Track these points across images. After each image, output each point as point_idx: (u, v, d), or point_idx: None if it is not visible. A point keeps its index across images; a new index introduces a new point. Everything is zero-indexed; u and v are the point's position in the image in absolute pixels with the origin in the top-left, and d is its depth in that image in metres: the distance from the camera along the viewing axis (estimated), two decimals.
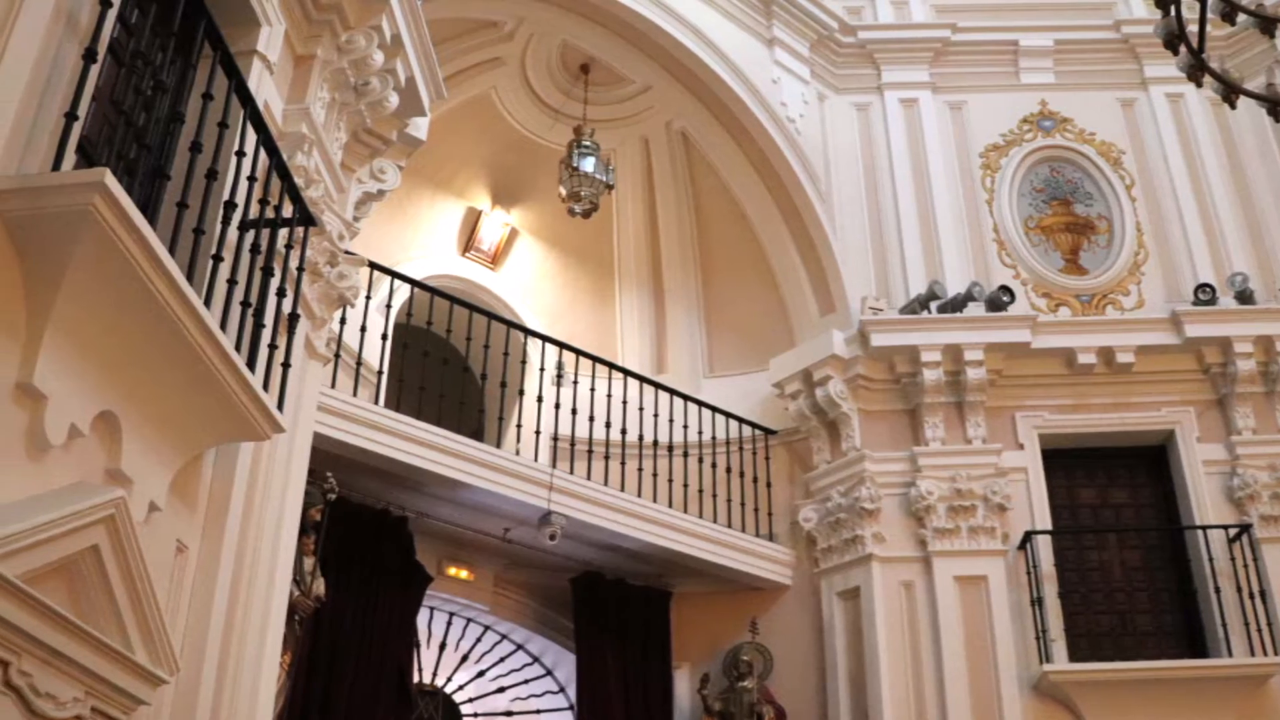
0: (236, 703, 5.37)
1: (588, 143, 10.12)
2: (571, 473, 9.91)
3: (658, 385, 10.59)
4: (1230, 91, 4.79)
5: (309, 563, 7.70)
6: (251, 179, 5.15)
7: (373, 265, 8.36)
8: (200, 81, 5.08)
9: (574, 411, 10.02)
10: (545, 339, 10.24)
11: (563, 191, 10.10)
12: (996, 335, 10.20)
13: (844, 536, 10.06)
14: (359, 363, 9.15)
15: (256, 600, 5.77)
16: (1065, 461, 10.42)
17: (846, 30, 11.82)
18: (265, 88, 5.62)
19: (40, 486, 4.02)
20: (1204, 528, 9.74)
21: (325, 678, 8.04)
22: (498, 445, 9.95)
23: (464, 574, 9.61)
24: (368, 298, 8.63)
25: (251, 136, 5.11)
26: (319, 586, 7.67)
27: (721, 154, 10.90)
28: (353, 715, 8.04)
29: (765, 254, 11.05)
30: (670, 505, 10.01)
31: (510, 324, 10.33)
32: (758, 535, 10.45)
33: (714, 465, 10.40)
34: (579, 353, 10.23)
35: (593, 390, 9.96)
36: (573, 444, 10.42)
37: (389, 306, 9.37)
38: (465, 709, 10.40)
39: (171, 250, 4.27)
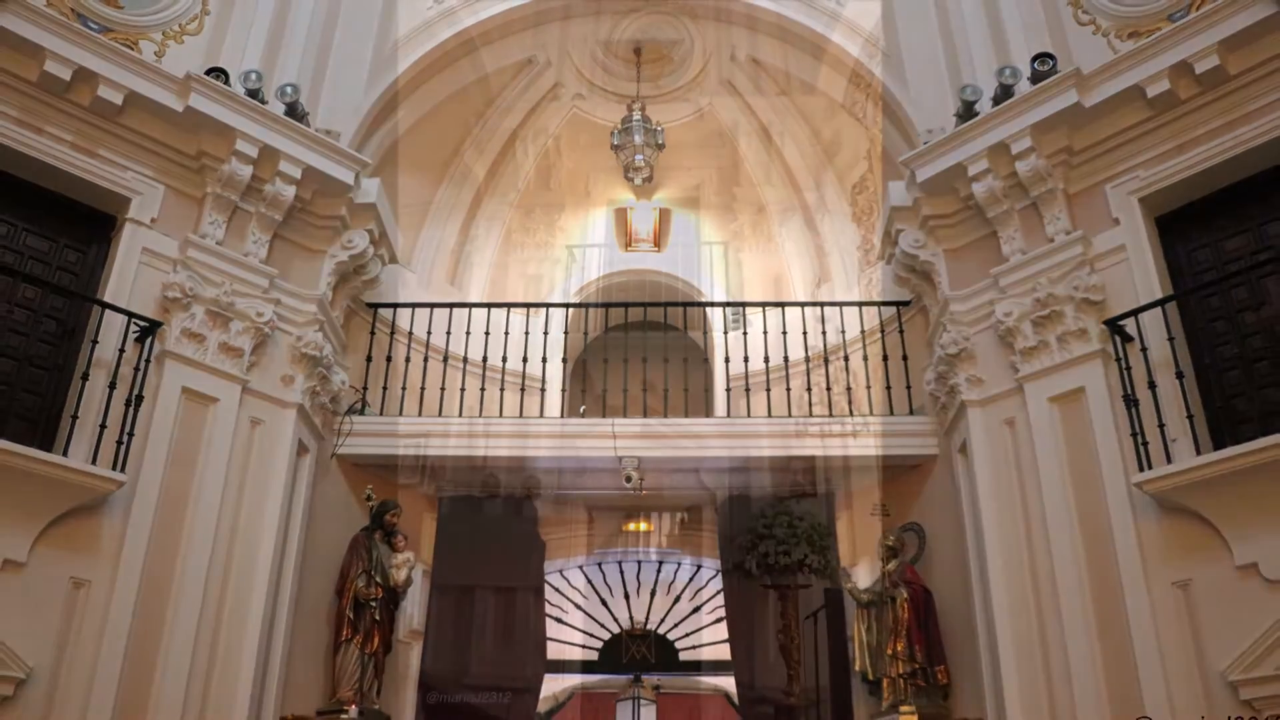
0: None
1: (637, 117, 10.12)
2: (748, 412, 9.93)
3: (782, 304, 10.08)
4: None
5: (399, 557, 9.01)
6: None
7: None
8: None
9: (745, 359, 10.08)
10: (701, 305, 10.57)
11: (623, 165, 10.16)
12: (1038, 112, 8.10)
13: (947, 388, 8.58)
14: (543, 387, 10.21)
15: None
16: (1177, 225, 7.83)
17: None
18: None
19: None
20: None
21: (467, 638, 9.14)
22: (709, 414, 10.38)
23: (643, 526, 9.95)
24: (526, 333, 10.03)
25: None
26: (400, 575, 8.91)
27: (791, 61, 10.13)
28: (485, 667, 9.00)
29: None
30: (831, 412, 9.37)
31: (659, 304, 10.32)
32: (911, 414, 9.25)
33: (865, 358, 9.50)
34: (723, 305, 10.42)
35: (765, 332, 9.88)
36: (747, 379, 10.30)
37: (545, 334, 10.24)
38: (681, 644, 10.47)
39: None
